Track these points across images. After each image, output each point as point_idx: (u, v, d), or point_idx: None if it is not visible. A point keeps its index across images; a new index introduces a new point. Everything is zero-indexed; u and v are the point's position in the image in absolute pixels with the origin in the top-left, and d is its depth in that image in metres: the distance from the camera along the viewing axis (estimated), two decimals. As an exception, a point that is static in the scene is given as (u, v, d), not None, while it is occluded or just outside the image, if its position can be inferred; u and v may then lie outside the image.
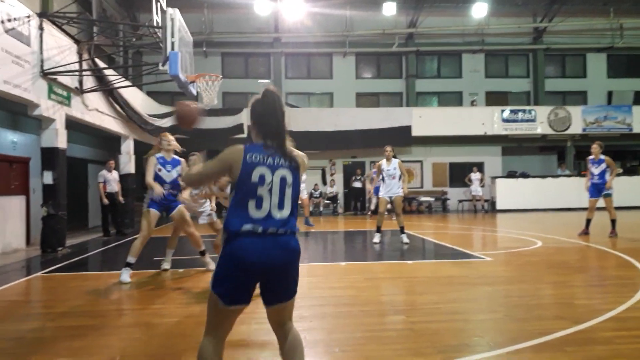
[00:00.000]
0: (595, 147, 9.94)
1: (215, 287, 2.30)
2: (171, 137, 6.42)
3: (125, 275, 6.08)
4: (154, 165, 6.14)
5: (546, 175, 19.37)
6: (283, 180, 2.33)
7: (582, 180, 18.05)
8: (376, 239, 9.34)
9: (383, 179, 9.36)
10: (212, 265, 6.48)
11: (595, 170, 9.90)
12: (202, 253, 6.75)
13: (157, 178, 6.21)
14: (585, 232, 9.91)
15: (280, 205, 2.32)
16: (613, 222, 9.69)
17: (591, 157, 10.00)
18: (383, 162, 9.36)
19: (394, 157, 9.35)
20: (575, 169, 20.91)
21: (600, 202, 9.92)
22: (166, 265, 6.91)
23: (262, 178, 2.30)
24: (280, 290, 2.37)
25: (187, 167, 6.01)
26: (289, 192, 2.35)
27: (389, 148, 9.36)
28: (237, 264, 2.26)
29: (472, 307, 4.74)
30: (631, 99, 22.26)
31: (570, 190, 17.89)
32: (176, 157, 6.40)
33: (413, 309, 4.58)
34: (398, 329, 3.97)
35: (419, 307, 4.65)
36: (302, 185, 11.11)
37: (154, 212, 6.25)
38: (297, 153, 2.49)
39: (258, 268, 2.26)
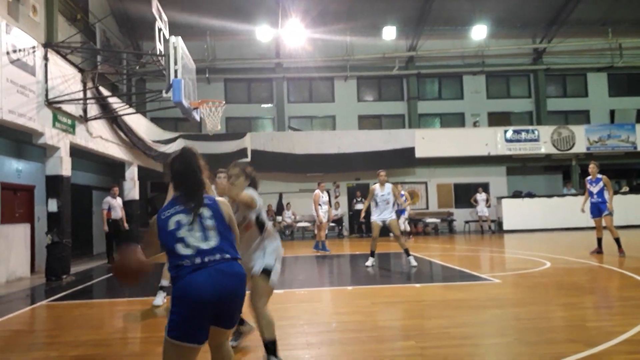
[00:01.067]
0: (592, 167, 10.18)
1: (173, 331, 2.31)
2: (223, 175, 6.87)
3: (159, 299, 6.21)
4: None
5: (552, 195, 19.25)
6: (200, 216, 2.49)
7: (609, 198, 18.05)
8: (369, 262, 9.21)
9: (377, 204, 9.30)
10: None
11: (594, 189, 10.06)
12: None
13: None
14: (598, 251, 9.90)
15: (204, 238, 2.44)
16: (617, 240, 9.62)
17: (589, 177, 10.20)
18: (377, 187, 9.33)
19: (387, 182, 9.35)
20: (581, 188, 20.78)
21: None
22: None
23: (178, 223, 2.48)
24: (226, 318, 2.42)
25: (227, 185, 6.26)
26: (210, 223, 2.49)
27: (383, 173, 9.42)
28: (189, 301, 2.29)
29: (481, 331, 4.64)
30: (634, 117, 22.28)
31: (577, 209, 17.51)
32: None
33: (422, 334, 4.48)
34: (408, 355, 3.87)
35: (428, 332, 4.55)
36: (324, 209, 11.25)
37: None
38: (218, 198, 2.70)
39: (211, 300, 2.30)
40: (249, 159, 19.05)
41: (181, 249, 2.41)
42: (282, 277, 7.11)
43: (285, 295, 6.75)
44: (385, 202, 9.23)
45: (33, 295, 7.78)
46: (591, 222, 10.37)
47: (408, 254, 9.05)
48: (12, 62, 7.83)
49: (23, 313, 6.32)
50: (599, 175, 10.03)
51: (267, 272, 3.66)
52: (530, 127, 20.56)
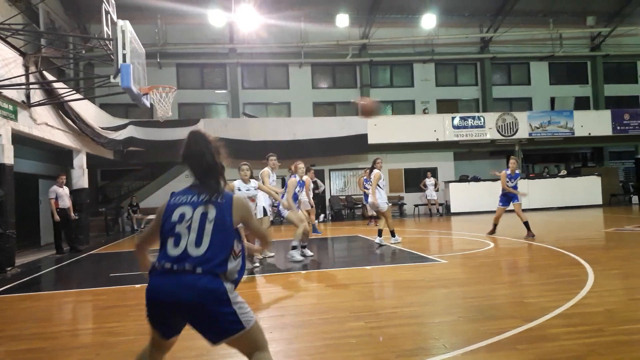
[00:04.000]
0: (513, 162, 10.79)
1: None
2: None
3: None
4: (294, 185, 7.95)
5: (496, 179, 20.05)
6: (204, 215, 2.32)
7: (530, 183, 19.03)
8: (397, 239, 10.14)
9: (381, 188, 10.08)
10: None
11: (511, 184, 10.72)
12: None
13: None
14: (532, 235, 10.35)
15: (198, 242, 2.28)
16: (526, 224, 10.30)
17: (508, 171, 10.72)
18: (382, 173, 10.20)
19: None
20: (523, 172, 21.80)
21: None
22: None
23: (182, 216, 2.33)
24: (206, 330, 2.31)
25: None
26: (209, 227, 2.30)
27: (379, 160, 10.35)
28: (148, 302, 2.30)
29: (428, 310, 4.90)
30: (572, 105, 23.50)
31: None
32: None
33: (371, 315, 4.68)
34: (357, 335, 4.06)
35: (378, 312, 4.77)
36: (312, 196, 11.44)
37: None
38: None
39: (167, 307, 2.26)
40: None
41: (170, 248, 2.30)
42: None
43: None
44: (383, 187, 10.34)
45: (-25, 288, 7.48)
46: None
47: (393, 235, 10.08)
48: (-54, 44, 7.41)
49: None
50: (518, 171, 10.79)
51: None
52: (476, 114, 21.30)
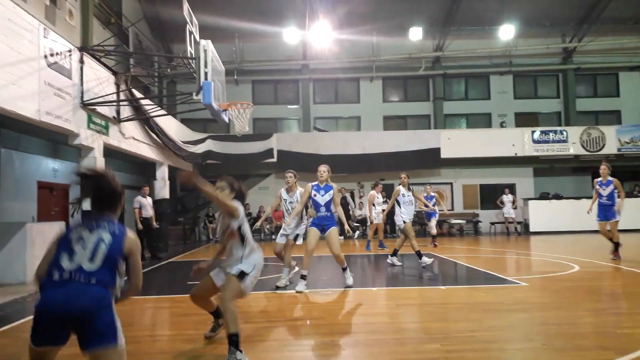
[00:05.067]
0: (603, 169, 9.88)
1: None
2: (323, 169, 7.33)
3: (301, 286, 6.94)
4: (309, 192, 7.14)
5: (581, 197, 18.88)
6: (99, 239, 2.63)
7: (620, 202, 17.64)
8: (428, 260, 9.27)
9: (400, 205, 9.57)
10: (351, 281, 7.16)
11: (604, 192, 9.79)
12: (344, 269, 7.22)
13: (313, 202, 7.15)
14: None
15: (91, 257, 2.58)
16: (617, 245, 9.49)
17: (599, 179, 9.87)
18: (401, 188, 9.62)
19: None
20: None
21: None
22: (283, 282, 7.37)
23: (80, 238, 2.64)
24: (89, 337, 2.47)
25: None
26: (102, 249, 2.60)
27: (404, 175, 9.78)
28: (41, 312, 2.48)
29: (508, 335, 4.65)
30: (667, 118, 21.68)
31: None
32: (329, 183, 7.27)
33: (447, 337, 4.51)
34: (432, 358, 3.91)
35: (453, 335, 4.58)
36: (379, 209, 11.16)
37: (315, 230, 7.13)
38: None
39: (57, 315, 2.45)
40: (274, 159, 19.25)
41: (65, 261, 2.58)
42: (306, 278, 7.24)
43: (310, 295, 6.85)
44: (410, 203, 9.62)
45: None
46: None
47: (420, 256, 9.21)
48: (50, 65, 8.13)
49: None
50: (610, 178, 9.79)
51: (242, 275, 3.95)
52: (558, 128, 20.20)
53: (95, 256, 2.58)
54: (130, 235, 2.76)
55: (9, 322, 5.68)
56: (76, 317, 2.46)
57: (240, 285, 3.93)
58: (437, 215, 14.11)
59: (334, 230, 7.07)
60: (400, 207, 9.54)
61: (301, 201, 7.21)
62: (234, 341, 3.68)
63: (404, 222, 9.48)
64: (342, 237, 17.35)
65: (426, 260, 9.17)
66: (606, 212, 9.71)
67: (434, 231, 13.91)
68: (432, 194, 13.98)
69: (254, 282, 4.07)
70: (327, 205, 7.13)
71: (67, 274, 2.53)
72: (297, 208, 7.19)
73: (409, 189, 9.69)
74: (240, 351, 3.69)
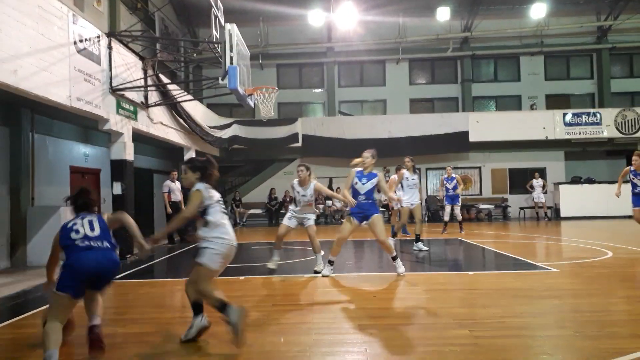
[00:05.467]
0: (636, 158, 9.13)
1: (62, 288, 3.56)
2: (367, 155, 7.02)
3: (327, 270, 7.00)
4: (352, 178, 6.94)
5: (614, 181, 18.31)
6: (90, 221, 3.84)
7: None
8: (422, 246, 9.67)
9: (403, 188, 9.96)
10: (402, 269, 7.02)
11: (639, 181, 9.09)
12: (394, 258, 7.05)
13: (353, 190, 6.92)
14: None
15: (91, 228, 3.78)
16: None
17: (632, 167, 9.16)
18: (406, 172, 9.98)
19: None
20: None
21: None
22: (319, 268, 7.33)
23: (85, 221, 3.85)
24: (100, 286, 3.87)
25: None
26: (95, 224, 3.83)
27: (408, 159, 10.00)
28: (77, 271, 3.61)
29: (539, 322, 4.56)
30: None
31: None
32: (374, 171, 7.05)
33: (476, 323, 4.46)
34: (462, 344, 3.87)
35: (483, 321, 4.52)
36: (400, 194, 10.84)
37: (352, 220, 6.95)
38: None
39: (92, 273, 3.65)
40: (299, 144, 19.24)
41: (74, 235, 3.75)
42: (333, 262, 7.24)
43: (337, 279, 6.87)
44: (414, 186, 9.98)
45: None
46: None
47: (418, 240, 9.61)
48: (79, 51, 8.23)
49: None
50: None
51: (200, 252, 4.00)
52: (591, 110, 19.56)
53: (94, 226, 3.86)
54: (107, 215, 4.12)
55: (45, 302, 5.84)
56: (103, 276, 3.77)
57: (200, 261, 3.95)
58: (459, 199, 13.21)
59: (377, 217, 6.85)
60: (402, 190, 9.90)
61: (345, 185, 7.06)
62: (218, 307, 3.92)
63: (411, 204, 9.82)
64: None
65: (421, 246, 9.55)
66: None
67: (460, 217, 13.41)
68: (453, 175, 12.94)
69: (214, 257, 3.94)
70: (368, 193, 6.90)
71: (83, 241, 3.74)
72: (343, 192, 7.06)
73: (414, 172, 10.00)
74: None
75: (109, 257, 3.71)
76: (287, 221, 7.53)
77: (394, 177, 12.17)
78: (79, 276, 3.57)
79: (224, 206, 4.18)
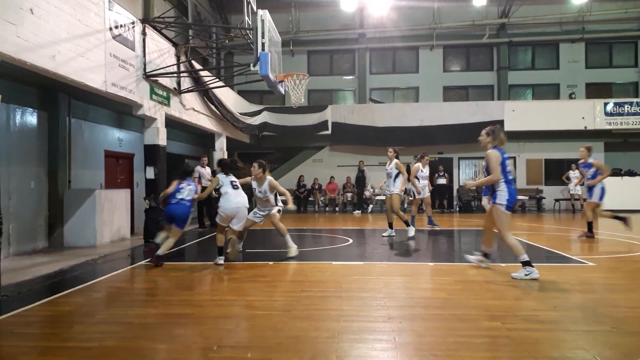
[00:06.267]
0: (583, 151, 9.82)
1: None
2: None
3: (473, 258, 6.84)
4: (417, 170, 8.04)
5: (657, 174, 17.63)
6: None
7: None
8: (412, 232, 10.06)
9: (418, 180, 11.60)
10: (412, 232, 9.11)
11: None
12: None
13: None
14: None
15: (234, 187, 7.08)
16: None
17: None
18: (420, 165, 11.73)
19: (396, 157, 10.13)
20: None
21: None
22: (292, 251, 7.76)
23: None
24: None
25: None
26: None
27: (390, 149, 10.14)
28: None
29: (574, 316, 4.42)
30: None
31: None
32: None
33: (509, 315, 4.35)
34: (493, 336, 3.79)
35: (516, 314, 4.41)
36: (424, 182, 11.80)
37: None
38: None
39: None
40: (329, 132, 19.17)
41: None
42: (361, 250, 7.18)
43: (365, 267, 6.83)
44: (424, 178, 11.59)
45: (133, 255, 8.48)
46: None
47: (408, 225, 10.07)
48: (115, 37, 8.36)
49: (125, 272, 6.94)
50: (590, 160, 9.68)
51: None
52: (635, 100, 18.74)
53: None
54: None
55: (82, 282, 6.05)
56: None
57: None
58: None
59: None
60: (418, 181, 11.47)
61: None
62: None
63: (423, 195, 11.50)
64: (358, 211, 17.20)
65: (410, 232, 9.95)
66: None
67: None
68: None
69: (221, 216, 7.19)
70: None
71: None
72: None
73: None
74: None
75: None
76: (252, 216, 7.90)
77: (417, 165, 11.94)
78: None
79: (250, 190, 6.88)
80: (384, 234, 10.28)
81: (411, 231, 9.98)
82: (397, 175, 9.89)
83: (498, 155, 6.14)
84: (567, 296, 5.09)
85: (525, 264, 5.89)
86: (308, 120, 19.14)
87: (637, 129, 18.31)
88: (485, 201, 12.76)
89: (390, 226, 10.23)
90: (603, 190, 9.67)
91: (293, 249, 7.69)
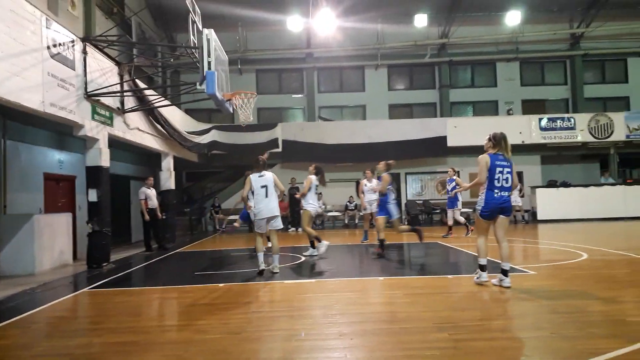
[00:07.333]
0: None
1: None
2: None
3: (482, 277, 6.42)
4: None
5: (589, 184, 18.72)
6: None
7: (627, 189, 17.55)
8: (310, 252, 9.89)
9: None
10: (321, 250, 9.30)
11: None
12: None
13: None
14: None
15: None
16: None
17: None
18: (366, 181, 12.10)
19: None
20: (620, 177, 20.19)
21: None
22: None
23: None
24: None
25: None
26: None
27: (311, 167, 10.32)
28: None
29: (517, 324, 4.61)
30: (678, 103, 21.42)
31: (615, 199, 17.25)
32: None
33: (456, 326, 4.48)
34: (441, 347, 3.89)
35: (462, 325, 4.55)
36: (371, 197, 11.90)
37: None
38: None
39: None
40: (280, 149, 19.19)
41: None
42: (314, 267, 7.19)
43: (318, 284, 6.84)
44: (371, 191, 11.82)
45: (76, 282, 8.10)
46: (630, 212, 9.93)
47: (313, 246, 9.85)
48: (53, 56, 8.08)
49: (67, 299, 6.60)
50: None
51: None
52: (566, 115, 19.99)
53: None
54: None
55: (20, 313, 5.71)
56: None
57: None
58: (459, 202, 13.17)
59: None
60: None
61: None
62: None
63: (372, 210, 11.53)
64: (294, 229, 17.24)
65: (311, 251, 9.81)
66: None
67: (462, 220, 13.42)
68: (453, 177, 12.60)
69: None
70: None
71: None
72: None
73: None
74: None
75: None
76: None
77: (363, 181, 12.21)
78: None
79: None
80: (304, 253, 9.99)
81: (312, 251, 9.76)
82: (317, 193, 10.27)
83: (487, 160, 6.22)
84: (510, 304, 5.30)
85: (481, 268, 6.31)
86: (258, 139, 19.09)
87: (569, 142, 19.47)
88: (450, 213, 13.16)
89: (312, 245, 9.89)
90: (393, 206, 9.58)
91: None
